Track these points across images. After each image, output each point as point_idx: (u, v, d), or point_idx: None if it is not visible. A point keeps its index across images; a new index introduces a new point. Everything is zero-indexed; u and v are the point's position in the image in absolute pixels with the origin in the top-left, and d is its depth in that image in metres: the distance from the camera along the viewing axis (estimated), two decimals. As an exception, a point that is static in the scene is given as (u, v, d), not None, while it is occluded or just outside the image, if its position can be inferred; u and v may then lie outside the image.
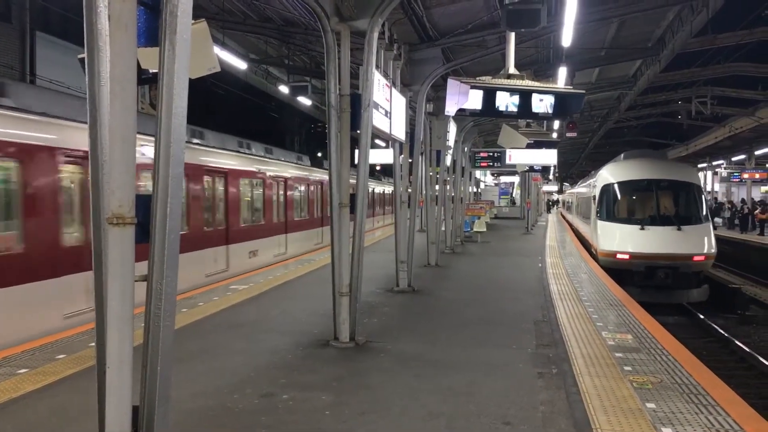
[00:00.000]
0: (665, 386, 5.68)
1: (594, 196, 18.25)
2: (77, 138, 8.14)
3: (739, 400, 5.40)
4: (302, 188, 18.40)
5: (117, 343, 3.02)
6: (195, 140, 12.84)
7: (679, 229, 15.10)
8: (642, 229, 15.28)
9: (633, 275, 14.82)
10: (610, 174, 17.61)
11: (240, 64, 15.03)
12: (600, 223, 16.54)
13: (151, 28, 3.22)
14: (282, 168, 16.81)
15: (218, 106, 28.01)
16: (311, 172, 19.57)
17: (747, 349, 11.37)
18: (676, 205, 16.16)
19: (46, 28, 16.97)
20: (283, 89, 18.34)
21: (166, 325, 3.12)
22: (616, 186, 16.73)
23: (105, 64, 3.12)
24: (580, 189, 30.05)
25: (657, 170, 16.95)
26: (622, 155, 20.47)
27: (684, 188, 16.30)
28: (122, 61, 2.94)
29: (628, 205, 16.57)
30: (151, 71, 3.47)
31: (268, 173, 15.40)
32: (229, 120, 29.02)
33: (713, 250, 15.12)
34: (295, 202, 17.68)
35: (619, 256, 15.26)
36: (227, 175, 13.07)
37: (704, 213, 15.87)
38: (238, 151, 14.48)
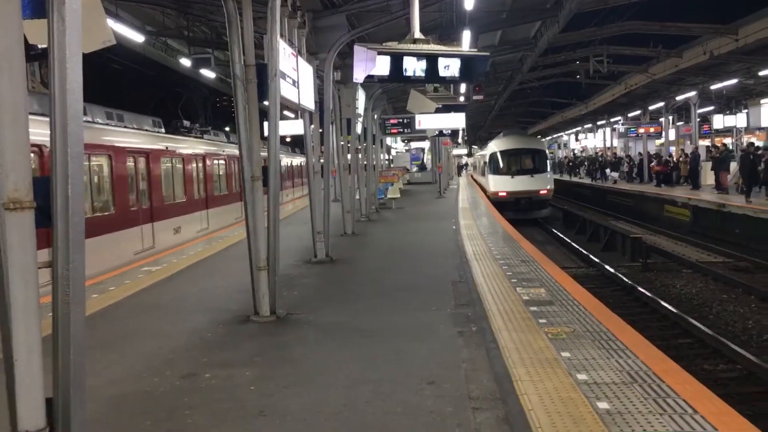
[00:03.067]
0: (578, 335, 5.94)
1: (486, 159, 29.67)
2: None
3: (646, 342, 5.73)
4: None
5: (24, 334, 2.86)
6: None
7: (532, 176, 26.17)
8: (512, 177, 26.25)
9: (508, 204, 24.74)
10: (495, 145, 29.07)
11: (136, 37, 14.36)
12: (490, 175, 27.62)
13: (37, -1, 3.02)
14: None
15: (116, 81, 26.92)
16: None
17: (649, 294, 12.04)
18: (532, 162, 26.86)
19: None
20: (185, 62, 17.69)
21: (76, 311, 2.97)
22: (498, 153, 27.53)
23: (-13, 38, 2.90)
24: (481, 153, 46.41)
25: (521, 142, 28.70)
26: (502, 133, 32.87)
27: (536, 152, 27.54)
28: (7, 33, 2.73)
29: (504, 164, 27.07)
30: (40, 47, 3.26)
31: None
32: (127, 95, 27.99)
33: (552, 187, 26.89)
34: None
35: (500, 194, 25.83)
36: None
37: (547, 166, 27.39)
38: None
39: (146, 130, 15.03)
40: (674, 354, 7.39)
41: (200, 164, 17.43)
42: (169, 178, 15.22)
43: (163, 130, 16.32)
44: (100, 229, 11.39)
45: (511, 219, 18.30)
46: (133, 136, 13.79)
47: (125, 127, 13.98)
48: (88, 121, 12.17)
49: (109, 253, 11.44)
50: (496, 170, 27.13)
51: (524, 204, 25.48)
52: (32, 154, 9.07)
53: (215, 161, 18.70)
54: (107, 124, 13.09)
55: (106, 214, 11.90)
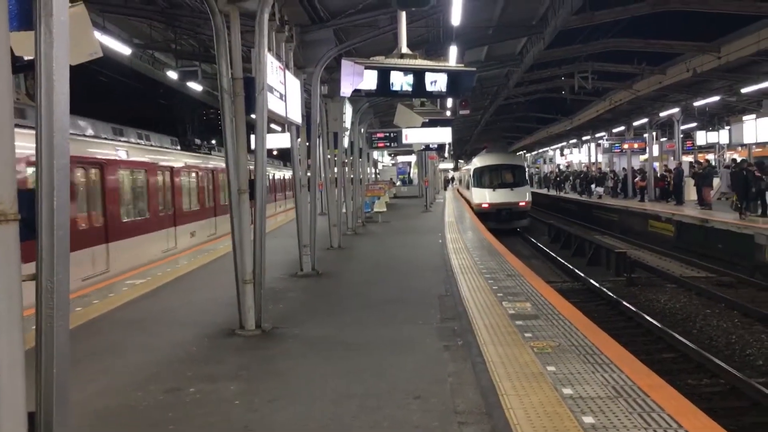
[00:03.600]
0: (563, 349, 5.96)
1: (470, 174, 32.26)
2: None
3: (631, 357, 5.76)
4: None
5: (6, 348, 2.82)
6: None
7: (512, 189, 28.80)
8: (494, 190, 28.91)
9: (490, 215, 26.99)
10: (478, 161, 32.41)
11: (123, 50, 14.32)
12: (474, 188, 30.31)
13: (24, 10, 3.00)
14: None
15: (103, 94, 26.88)
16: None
17: (634, 309, 12.10)
18: (512, 176, 29.68)
19: None
20: (172, 75, 17.66)
21: (60, 325, 2.95)
22: (481, 168, 30.59)
23: (-26, 49, 2.88)
24: (466, 168, 49.49)
25: (502, 158, 31.91)
26: (484, 150, 37.23)
27: (515, 168, 30.59)
28: (-7, 45, 2.73)
29: (487, 178, 29.96)
30: (26, 58, 3.25)
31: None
32: (115, 108, 27.93)
33: (530, 200, 29.44)
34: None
35: (483, 205, 28.37)
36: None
37: (525, 180, 30.70)
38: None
39: (168, 148, 17.60)
40: (658, 368, 7.41)
41: (210, 177, 19.73)
42: (187, 189, 17.51)
43: (179, 147, 18.57)
44: (142, 230, 14.13)
45: (492, 228, 20.75)
46: (160, 154, 16.26)
47: (151, 146, 16.46)
48: (125, 141, 14.59)
49: (147, 249, 14.14)
50: (479, 184, 30.03)
51: (505, 215, 27.99)
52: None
53: (221, 174, 20.28)
54: (138, 144, 15.51)
55: (145, 218, 14.47)
